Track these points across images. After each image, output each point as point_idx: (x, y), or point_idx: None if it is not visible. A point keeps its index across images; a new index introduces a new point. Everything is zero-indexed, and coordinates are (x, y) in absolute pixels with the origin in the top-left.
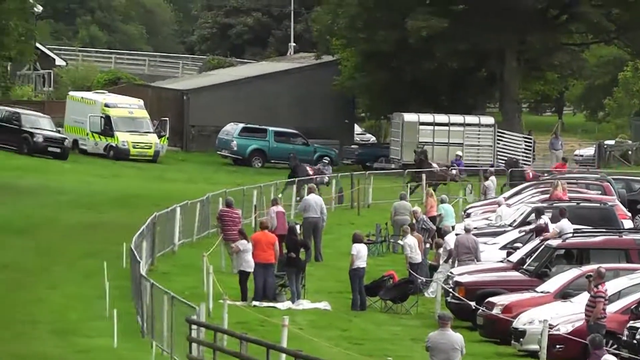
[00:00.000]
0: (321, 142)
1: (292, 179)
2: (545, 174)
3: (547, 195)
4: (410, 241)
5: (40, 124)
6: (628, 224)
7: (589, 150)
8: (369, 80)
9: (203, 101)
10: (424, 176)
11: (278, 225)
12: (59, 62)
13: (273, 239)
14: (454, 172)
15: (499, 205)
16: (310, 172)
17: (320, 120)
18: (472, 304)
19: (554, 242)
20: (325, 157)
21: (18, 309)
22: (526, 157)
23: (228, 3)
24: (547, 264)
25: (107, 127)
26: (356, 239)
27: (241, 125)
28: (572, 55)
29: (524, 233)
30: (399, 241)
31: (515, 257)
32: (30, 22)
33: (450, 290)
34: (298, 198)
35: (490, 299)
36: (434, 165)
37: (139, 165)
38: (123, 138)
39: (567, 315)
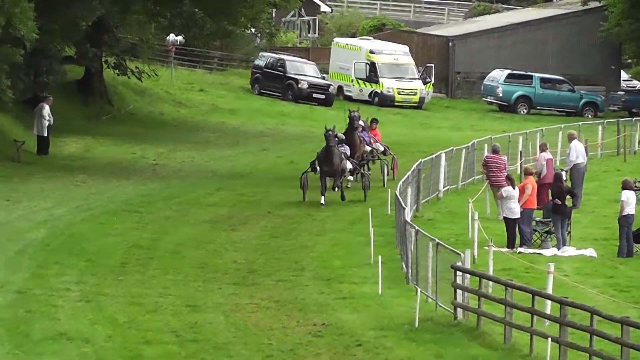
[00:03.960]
0: (587, 89)
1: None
2: None
3: None
4: None
5: (305, 71)
6: None
7: None
8: (636, 27)
9: (469, 48)
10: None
11: (547, 173)
12: (324, 8)
13: (534, 184)
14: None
15: None
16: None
17: (587, 67)
18: None
19: None
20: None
21: (282, 255)
22: None
23: None
24: None
25: (372, 74)
26: (626, 186)
27: (507, 71)
28: None
29: None
30: None
31: None
32: None
33: None
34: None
35: None
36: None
37: (404, 112)
38: (388, 85)
39: None
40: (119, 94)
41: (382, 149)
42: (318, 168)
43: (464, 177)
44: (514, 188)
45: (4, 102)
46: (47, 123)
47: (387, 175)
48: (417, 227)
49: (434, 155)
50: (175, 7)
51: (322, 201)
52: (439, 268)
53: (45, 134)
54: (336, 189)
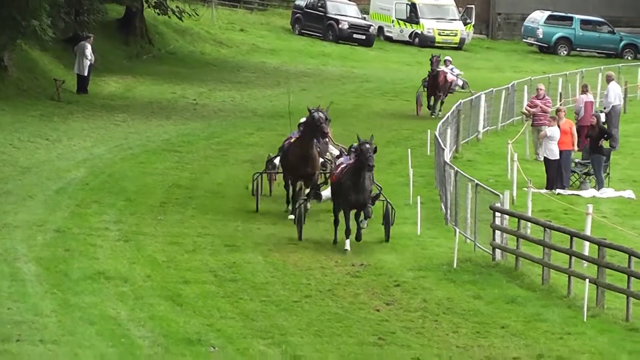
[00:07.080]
0: (628, 31)
1: None
2: None
3: None
4: None
5: (346, 11)
6: None
7: None
8: None
9: None
10: None
11: (585, 115)
12: None
13: (571, 124)
14: None
15: None
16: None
17: (627, 9)
18: None
19: None
20: None
21: None
22: None
23: None
24: None
25: (413, 15)
26: None
27: (547, 13)
28: None
29: None
30: None
31: None
32: None
33: None
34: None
35: None
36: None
37: (445, 53)
38: (428, 25)
39: None
40: (159, 34)
41: (336, 152)
42: (325, 195)
43: (503, 119)
44: (559, 129)
45: (45, 41)
46: (88, 62)
47: None
48: (456, 168)
49: (473, 97)
50: None
51: (347, 246)
52: (477, 209)
53: (86, 74)
54: (361, 232)
